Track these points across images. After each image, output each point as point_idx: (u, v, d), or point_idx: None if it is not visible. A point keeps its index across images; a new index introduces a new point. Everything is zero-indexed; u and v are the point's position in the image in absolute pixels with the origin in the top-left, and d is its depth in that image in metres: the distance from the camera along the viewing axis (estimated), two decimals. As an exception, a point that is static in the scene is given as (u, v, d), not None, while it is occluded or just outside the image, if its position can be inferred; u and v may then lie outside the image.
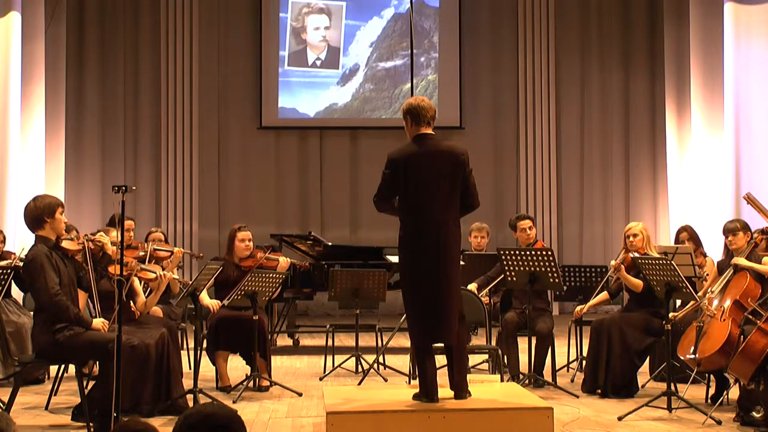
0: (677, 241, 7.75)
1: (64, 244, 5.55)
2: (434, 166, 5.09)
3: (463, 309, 5.30)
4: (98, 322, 5.49)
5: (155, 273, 6.09)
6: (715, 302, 5.93)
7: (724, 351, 5.54)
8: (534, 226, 7.35)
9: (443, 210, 5.08)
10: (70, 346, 5.37)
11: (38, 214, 5.44)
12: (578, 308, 7.18)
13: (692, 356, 5.80)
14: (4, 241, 7.76)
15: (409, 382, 6.45)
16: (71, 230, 6.04)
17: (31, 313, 7.21)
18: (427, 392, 5.08)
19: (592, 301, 7.13)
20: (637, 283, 6.57)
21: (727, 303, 5.79)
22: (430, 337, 5.14)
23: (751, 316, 5.58)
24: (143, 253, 6.78)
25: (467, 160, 5.16)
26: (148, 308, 6.33)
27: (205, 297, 6.80)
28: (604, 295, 7.12)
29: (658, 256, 6.45)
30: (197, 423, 2.49)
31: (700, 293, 6.27)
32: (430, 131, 5.21)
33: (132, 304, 6.17)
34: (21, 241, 8.94)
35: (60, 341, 5.35)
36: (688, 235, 7.55)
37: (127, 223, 7.21)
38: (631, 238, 6.73)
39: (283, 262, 7.25)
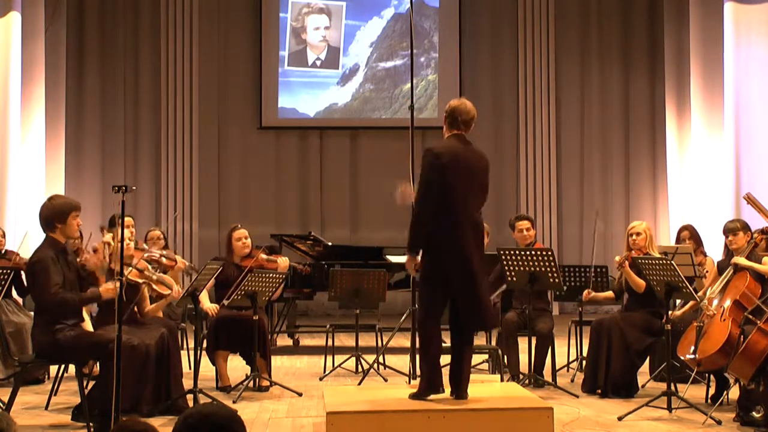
0: (678, 239, 7.74)
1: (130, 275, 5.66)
2: (474, 165, 5.24)
3: None
4: (106, 287, 5.43)
5: (170, 290, 6.08)
6: (715, 302, 5.92)
7: (724, 351, 5.53)
8: (533, 227, 7.32)
9: (475, 209, 5.23)
10: (70, 346, 5.36)
11: (50, 217, 5.45)
12: (586, 291, 7.12)
13: (692, 356, 5.80)
14: (4, 236, 7.73)
15: (409, 382, 6.44)
16: (76, 241, 5.95)
17: (32, 313, 7.21)
18: (432, 384, 5.12)
19: (601, 294, 7.13)
20: (640, 282, 6.55)
21: (727, 303, 5.78)
22: (470, 324, 5.23)
23: (751, 316, 5.58)
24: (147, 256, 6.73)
25: (489, 169, 5.39)
26: (153, 315, 6.33)
27: (205, 301, 6.80)
28: (611, 293, 7.13)
29: (659, 256, 6.46)
30: (197, 423, 2.48)
31: (700, 293, 6.25)
32: (462, 134, 5.32)
33: (136, 308, 6.15)
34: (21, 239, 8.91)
35: (60, 341, 5.34)
36: (689, 233, 7.53)
37: (126, 220, 7.20)
38: (634, 237, 6.72)
39: (282, 263, 7.23)
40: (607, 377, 6.46)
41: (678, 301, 6.91)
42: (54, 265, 5.33)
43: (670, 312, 6.31)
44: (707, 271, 6.68)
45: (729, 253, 6.29)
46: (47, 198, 5.61)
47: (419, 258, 5.26)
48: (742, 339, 5.44)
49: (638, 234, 6.73)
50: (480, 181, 5.29)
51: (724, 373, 5.85)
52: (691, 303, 6.21)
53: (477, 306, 5.15)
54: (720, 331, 5.64)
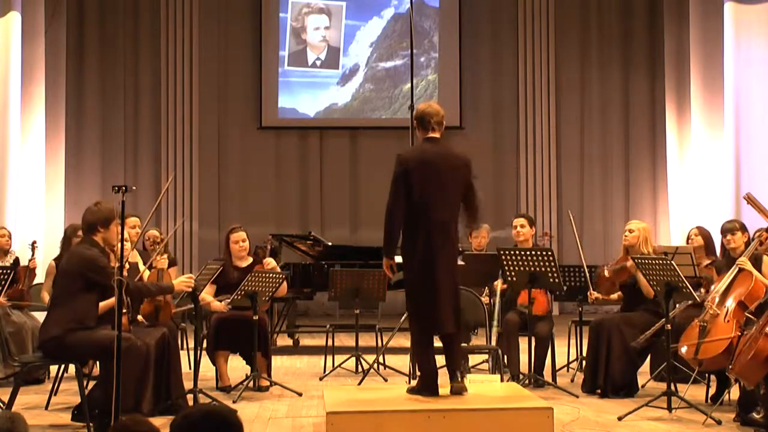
0: (688, 237, 7.60)
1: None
2: (442, 167, 5.31)
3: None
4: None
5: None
6: (717, 300, 5.90)
7: (727, 352, 5.51)
8: (531, 226, 7.25)
9: (448, 210, 5.30)
10: (72, 345, 5.38)
11: (94, 221, 5.53)
12: (590, 293, 6.97)
13: (684, 351, 5.78)
14: (10, 237, 7.69)
15: (409, 382, 6.44)
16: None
17: (32, 313, 7.22)
18: (429, 386, 5.19)
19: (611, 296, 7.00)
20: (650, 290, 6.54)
21: (732, 304, 5.75)
22: (436, 327, 5.28)
23: (752, 316, 5.56)
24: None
25: (471, 167, 5.47)
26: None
27: (213, 301, 6.80)
28: (616, 295, 6.99)
29: (653, 256, 6.45)
30: (195, 419, 2.54)
31: (709, 298, 6.14)
32: (436, 135, 5.40)
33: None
34: (21, 240, 8.91)
35: (65, 340, 5.36)
36: (698, 232, 7.36)
37: (134, 220, 7.20)
38: (627, 233, 6.72)
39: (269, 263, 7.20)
40: (607, 377, 6.45)
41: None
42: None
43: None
44: (704, 281, 6.62)
45: (726, 253, 6.28)
46: (93, 203, 5.68)
47: (394, 260, 5.38)
48: (743, 340, 5.42)
49: (631, 231, 6.72)
50: (451, 181, 5.32)
51: (725, 372, 5.83)
52: (707, 306, 6.08)
53: (435, 310, 5.23)
54: (723, 333, 5.62)
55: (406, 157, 5.35)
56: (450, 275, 5.28)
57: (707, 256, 7.03)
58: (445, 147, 5.47)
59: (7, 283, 6.84)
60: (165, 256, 6.58)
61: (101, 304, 5.65)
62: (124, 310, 5.48)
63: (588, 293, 7.04)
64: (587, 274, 7.13)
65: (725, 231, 6.28)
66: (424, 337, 5.31)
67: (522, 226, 7.20)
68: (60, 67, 11.65)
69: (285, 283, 7.08)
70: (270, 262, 7.10)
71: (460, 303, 5.44)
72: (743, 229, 6.29)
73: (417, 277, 5.27)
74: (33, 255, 7.51)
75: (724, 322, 5.68)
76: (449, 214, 5.32)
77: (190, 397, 5.87)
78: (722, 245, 6.40)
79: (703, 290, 6.46)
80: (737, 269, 5.90)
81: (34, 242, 7.63)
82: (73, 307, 5.39)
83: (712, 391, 6.16)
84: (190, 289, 5.91)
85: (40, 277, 7.87)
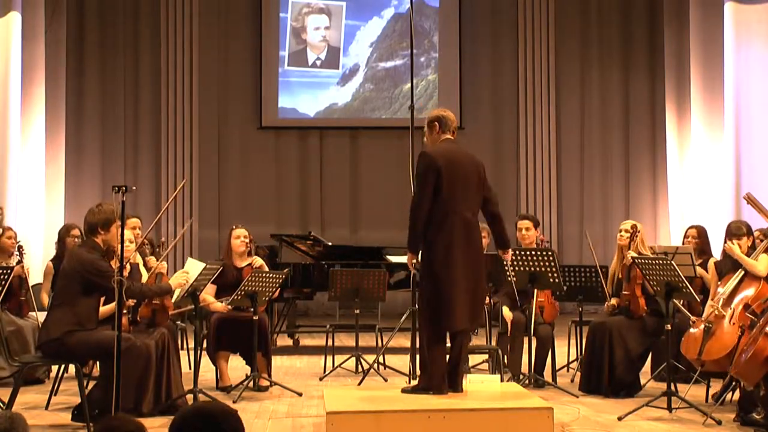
0: (684, 237, 7.60)
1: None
2: (467, 167, 5.44)
3: None
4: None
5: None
6: (721, 301, 5.89)
7: (731, 355, 5.50)
8: (535, 227, 7.25)
9: (468, 209, 5.39)
10: (72, 346, 5.38)
11: (95, 223, 5.55)
12: (607, 305, 6.89)
13: (693, 355, 5.78)
14: (15, 238, 7.60)
15: (409, 382, 6.44)
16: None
17: (31, 313, 7.21)
18: (437, 385, 5.23)
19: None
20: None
21: (738, 306, 5.74)
22: (448, 324, 5.33)
23: (754, 317, 5.56)
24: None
25: (483, 168, 5.60)
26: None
27: (214, 301, 6.81)
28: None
29: (650, 255, 6.45)
30: (193, 416, 2.58)
31: (714, 299, 6.13)
32: (452, 137, 5.55)
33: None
34: (21, 240, 8.89)
35: (65, 342, 5.36)
36: (696, 232, 7.34)
37: (134, 221, 7.20)
38: (622, 233, 6.70)
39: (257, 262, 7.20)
40: (609, 378, 6.45)
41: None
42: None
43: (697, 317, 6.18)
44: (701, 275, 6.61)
45: (727, 254, 6.27)
46: (96, 204, 5.70)
47: (419, 256, 5.40)
48: (743, 340, 5.42)
49: (627, 231, 6.69)
50: (474, 181, 5.44)
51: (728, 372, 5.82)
52: (709, 307, 6.07)
53: (449, 306, 5.27)
54: (729, 335, 5.61)
55: (435, 154, 5.37)
56: (471, 273, 5.31)
57: (698, 256, 7.04)
58: (463, 148, 5.62)
59: (7, 283, 6.81)
60: (157, 259, 6.56)
61: (102, 309, 5.66)
62: (124, 311, 5.48)
63: (606, 304, 6.89)
64: (607, 291, 6.99)
65: (731, 234, 6.24)
66: (436, 335, 5.32)
67: (527, 228, 7.18)
68: (60, 67, 11.65)
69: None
70: (257, 261, 7.12)
71: (483, 301, 5.60)
72: (749, 234, 6.27)
73: (435, 274, 5.29)
74: (21, 260, 7.31)
75: (729, 324, 5.67)
76: (472, 212, 5.41)
77: (190, 397, 5.87)
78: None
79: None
80: (743, 272, 5.90)
81: (20, 247, 7.41)
82: (73, 309, 5.39)
83: (713, 390, 6.16)
84: (187, 282, 5.92)
85: (36, 278, 7.85)
